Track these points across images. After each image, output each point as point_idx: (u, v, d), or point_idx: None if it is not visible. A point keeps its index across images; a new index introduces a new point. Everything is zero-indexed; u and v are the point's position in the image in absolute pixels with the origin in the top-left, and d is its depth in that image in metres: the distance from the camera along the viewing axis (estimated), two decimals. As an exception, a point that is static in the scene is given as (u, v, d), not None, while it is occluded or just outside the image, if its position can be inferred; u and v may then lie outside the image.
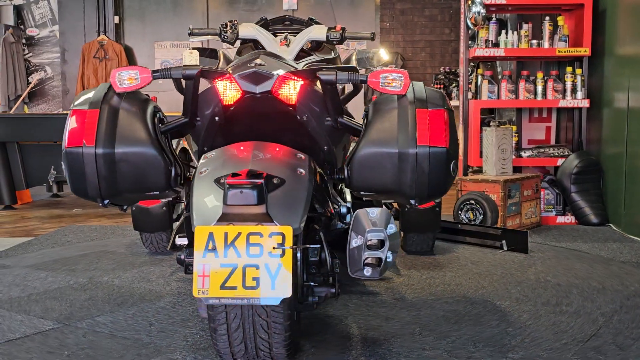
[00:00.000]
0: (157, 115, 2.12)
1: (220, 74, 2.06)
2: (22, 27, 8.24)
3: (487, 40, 4.73)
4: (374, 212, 1.96)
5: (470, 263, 3.31)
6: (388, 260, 1.94)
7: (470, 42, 4.84)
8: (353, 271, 1.94)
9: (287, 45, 2.98)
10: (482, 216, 3.99)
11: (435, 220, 3.40)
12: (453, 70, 7.23)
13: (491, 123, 4.78)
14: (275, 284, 1.71)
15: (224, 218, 1.75)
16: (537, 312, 2.49)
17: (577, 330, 2.29)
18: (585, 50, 4.57)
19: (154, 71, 2.06)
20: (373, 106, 2.14)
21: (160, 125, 2.12)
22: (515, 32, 4.73)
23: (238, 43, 3.15)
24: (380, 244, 1.91)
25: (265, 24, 3.23)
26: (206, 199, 1.82)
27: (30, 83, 7.95)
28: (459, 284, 2.90)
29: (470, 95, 4.85)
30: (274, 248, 1.72)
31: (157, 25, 8.15)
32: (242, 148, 1.99)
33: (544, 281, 2.94)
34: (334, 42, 2.99)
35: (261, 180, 1.76)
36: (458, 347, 2.12)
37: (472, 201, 4.00)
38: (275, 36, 3.12)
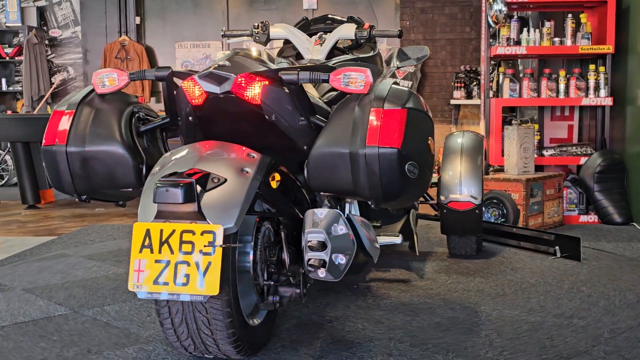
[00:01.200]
0: (137, 115, 2.22)
1: (188, 75, 2.08)
2: (45, 28, 8.31)
3: (508, 38, 4.70)
4: (321, 213, 1.97)
5: (510, 269, 3.19)
6: (339, 262, 1.94)
7: (491, 40, 4.81)
8: (307, 272, 1.98)
9: (321, 45, 3.04)
10: (504, 215, 3.97)
11: (475, 223, 3.30)
12: (474, 68, 7.18)
13: (513, 122, 4.75)
14: (204, 281, 1.73)
15: (159, 215, 1.79)
16: (542, 324, 2.37)
17: (570, 346, 2.15)
18: (608, 48, 4.52)
19: (131, 73, 2.15)
20: (337, 106, 2.13)
21: (141, 124, 2.23)
22: (537, 30, 4.69)
23: (280, 43, 3.24)
24: (321, 245, 1.91)
25: (306, 23, 3.27)
26: (148, 198, 1.86)
27: (53, 84, 8.03)
28: (480, 290, 2.83)
29: (491, 93, 4.81)
30: (204, 246, 1.74)
31: (177, 25, 8.19)
32: (196, 147, 2.01)
33: (575, 291, 2.80)
34: (362, 40, 3.02)
35: (190, 180, 1.76)
36: (426, 356, 2.07)
37: (495, 200, 3.98)
38: (311, 36, 3.17)
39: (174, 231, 1.76)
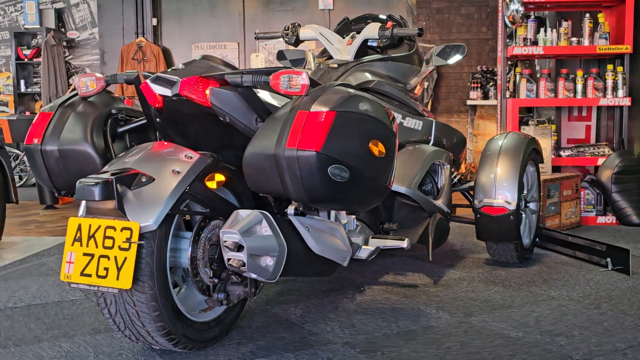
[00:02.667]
0: (116, 116, 2.36)
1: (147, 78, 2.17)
2: (62, 30, 8.37)
3: (525, 39, 4.67)
4: (245, 214, 2.00)
5: (542, 281, 3.01)
6: (266, 264, 1.98)
7: (508, 40, 4.78)
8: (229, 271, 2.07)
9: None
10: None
11: (509, 229, 3.13)
12: (490, 69, 7.15)
13: (530, 122, 4.72)
14: (119, 275, 1.84)
15: (88, 211, 1.94)
16: (517, 341, 2.22)
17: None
18: (626, 48, 4.48)
19: (106, 77, 2.32)
20: (279, 108, 2.15)
21: (122, 125, 2.40)
22: (554, 30, 4.66)
23: (312, 44, 3.30)
24: (236, 245, 1.94)
25: (347, 23, 3.36)
26: None
27: (71, 85, 8.10)
28: (487, 301, 2.71)
29: (508, 94, 4.79)
30: (122, 242, 1.85)
31: (194, 26, 8.22)
32: (142, 148, 2.10)
33: (592, 308, 2.58)
34: (384, 40, 3.11)
35: (110, 178, 1.85)
36: None
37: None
38: (344, 37, 3.26)
39: (99, 226, 1.88)
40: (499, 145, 3.27)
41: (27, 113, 7.91)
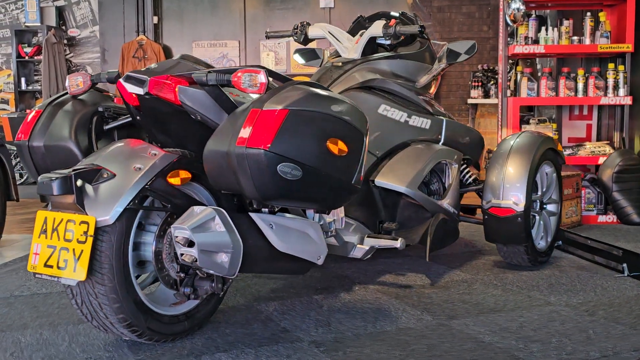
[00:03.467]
0: (103, 114, 2.42)
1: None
2: (63, 27, 8.39)
3: (526, 37, 4.68)
4: (198, 210, 2.03)
5: (546, 286, 2.93)
6: (221, 260, 2.01)
7: (509, 39, 4.80)
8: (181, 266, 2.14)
9: None
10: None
11: (517, 231, 3.05)
12: (491, 67, 7.15)
13: (531, 121, 4.74)
14: (76, 267, 1.91)
15: (53, 205, 2.02)
16: (486, 346, 2.18)
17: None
18: (627, 47, 4.49)
19: (92, 76, 2.39)
20: (241, 106, 2.18)
21: (107, 123, 2.45)
22: (555, 29, 4.67)
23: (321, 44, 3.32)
24: (187, 241, 1.97)
25: (360, 22, 3.37)
26: None
27: (71, 83, 8.12)
28: (479, 304, 2.66)
29: (509, 92, 4.80)
30: (80, 235, 1.92)
31: (195, 25, 8.23)
32: (112, 145, 2.18)
33: (586, 320, 2.44)
34: (387, 37, 3.10)
35: (69, 173, 1.93)
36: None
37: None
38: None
39: (62, 220, 1.96)
40: (510, 144, 3.19)
41: (28, 111, 7.92)
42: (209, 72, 2.10)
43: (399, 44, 3.26)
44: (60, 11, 8.35)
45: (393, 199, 2.97)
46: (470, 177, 3.39)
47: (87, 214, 1.93)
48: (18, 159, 7.30)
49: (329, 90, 2.23)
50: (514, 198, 3.03)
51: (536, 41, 4.67)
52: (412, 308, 2.62)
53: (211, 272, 2.05)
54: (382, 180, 2.88)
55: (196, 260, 1.99)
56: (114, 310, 2.01)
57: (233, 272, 2.06)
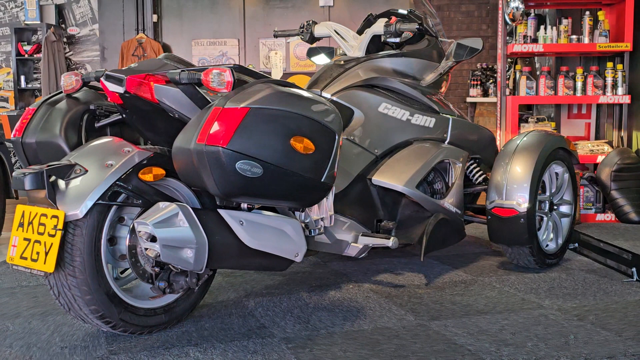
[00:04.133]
0: (95, 112, 2.48)
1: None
2: (63, 26, 8.41)
3: (525, 36, 4.70)
4: (163, 206, 2.08)
5: (546, 289, 2.88)
6: (186, 256, 2.06)
7: (508, 37, 4.82)
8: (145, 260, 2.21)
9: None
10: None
11: (519, 232, 3.01)
12: (490, 66, 7.17)
13: (529, 119, 4.75)
14: (46, 259, 1.99)
15: (29, 200, 2.11)
16: (462, 354, 2.13)
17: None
18: (626, 46, 4.50)
19: (83, 75, 2.44)
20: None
21: (98, 120, 2.51)
22: (554, 28, 4.68)
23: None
24: (150, 236, 2.03)
25: (370, 20, 3.37)
26: None
27: (71, 81, 8.13)
28: (467, 306, 2.63)
29: (508, 91, 4.82)
30: (51, 229, 1.99)
31: (194, 23, 8.26)
32: (91, 142, 2.26)
33: (572, 326, 2.36)
34: (388, 35, 3.12)
35: (41, 169, 2.01)
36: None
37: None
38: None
39: (36, 214, 2.04)
40: (516, 144, 3.15)
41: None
42: (182, 71, 2.15)
43: (407, 42, 3.26)
44: (59, 9, 8.37)
45: (392, 198, 2.97)
46: (480, 176, 3.36)
47: (57, 209, 2.00)
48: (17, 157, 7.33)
49: (300, 89, 2.25)
50: (517, 198, 2.98)
51: (535, 40, 4.68)
52: (399, 308, 2.61)
53: (179, 266, 2.10)
54: (379, 178, 2.89)
55: (159, 255, 2.05)
56: (85, 301, 2.08)
57: (200, 267, 2.10)
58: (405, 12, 3.29)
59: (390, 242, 2.71)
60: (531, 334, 2.30)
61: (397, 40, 3.22)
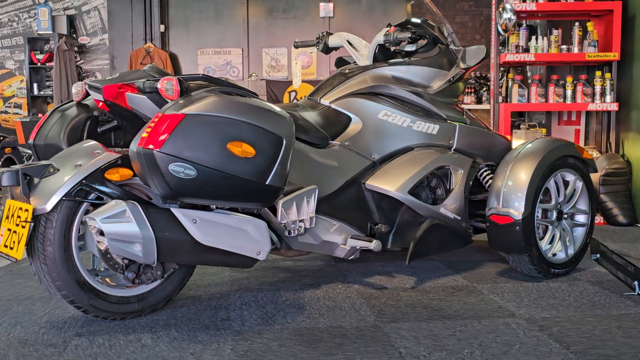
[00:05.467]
0: (97, 118, 2.63)
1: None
2: (74, 35, 8.49)
3: (517, 46, 4.79)
4: (114, 203, 2.23)
5: (533, 298, 2.72)
6: (134, 249, 2.21)
7: (500, 47, 4.91)
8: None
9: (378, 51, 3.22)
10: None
11: (515, 240, 2.90)
12: (484, 75, 7.29)
13: (521, 126, 4.85)
14: (17, 248, 2.20)
15: (14, 195, 2.30)
16: (376, 356, 2.08)
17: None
18: (614, 55, 4.61)
19: (88, 85, 2.54)
20: None
21: (101, 126, 2.65)
22: (545, 38, 4.78)
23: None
24: (99, 230, 2.20)
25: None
26: None
27: (80, 89, 8.21)
28: (437, 311, 2.55)
29: (500, 99, 4.92)
30: (23, 221, 2.20)
31: (200, 33, 8.34)
32: (74, 145, 2.45)
33: (523, 337, 2.25)
34: (387, 44, 3.13)
35: (17, 168, 2.22)
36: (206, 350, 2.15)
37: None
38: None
39: (16, 207, 2.24)
40: (518, 151, 3.05)
41: (40, 115, 8.04)
42: (146, 80, 2.33)
43: (421, 50, 3.24)
44: (71, 20, 8.46)
45: (389, 203, 2.96)
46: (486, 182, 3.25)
47: (29, 203, 2.19)
48: (30, 162, 7.48)
49: (248, 97, 2.37)
50: (513, 206, 2.89)
51: (527, 50, 4.78)
52: (368, 309, 2.58)
53: (135, 258, 2.25)
54: (373, 183, 2.90)
55: (108, 248, 2.20)
56: (56, 287, 2.27)
57: (151, 260, 2.23)
58: (419, 21, 3.28)
59: (373, 245, 2.75)
60: (477, 342, 2.20)
61: (413, 48, 3.22)
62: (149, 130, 2.13)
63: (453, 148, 3.14)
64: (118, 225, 2.17)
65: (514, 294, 2.80)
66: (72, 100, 2.67)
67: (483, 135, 3.28)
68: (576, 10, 4.83)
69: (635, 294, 2.75)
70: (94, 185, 2.27)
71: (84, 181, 2.24)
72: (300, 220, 2.59)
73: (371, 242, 2.76)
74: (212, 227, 2.33)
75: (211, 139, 2.15)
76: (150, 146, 2.10)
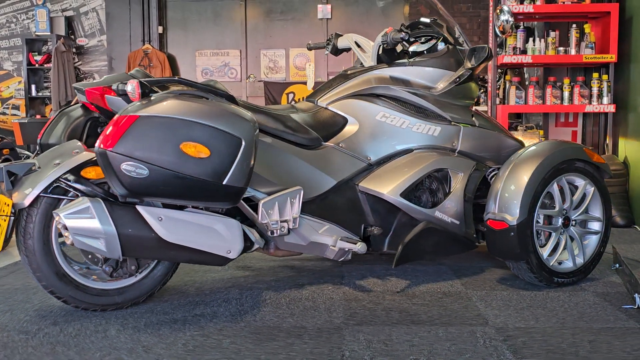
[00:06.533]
0: (98, 119, 2.69)
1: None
2: (72, 37, 8.51)
3: (515, 48, 4.82)
4: (80, 199, 2.34)
5: (520, 308, 2.61)
6: (97, 244, 2.30)
7: (498, 49, 4.93)
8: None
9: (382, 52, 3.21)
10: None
11: (509, 246, 2.81)
12: (481, 76, 7.32)
13: (519, 127, 4.89)
14: (2, 240, 2.38)
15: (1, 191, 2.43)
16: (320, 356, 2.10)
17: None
18: (611, 57, 4.64)
19: (74, 88, 2.67)
20: None
21: (102, 127, 2.73)
22: (542, 40, 4.81)
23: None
24: (63, 225, 2.30)
25: (402, 30, 3.32)
26: None
27: (79, 90, 8.23)
28: (409, 316, 2.51)
29: (498, 100, 4.94)
30: (5, 215, 2.35)
31: (198, 34, 8.36)
32: (58, 145, 2.58)
33: (473, 346, 2.19)
34: (385, 45, 3.09)
35: (1, 166, 2.37)
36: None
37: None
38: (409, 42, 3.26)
39: (3, 202, 2.38)
40: (519, 154, 2.95)
41: (38, 116, 8.04)
42: (119, 83, 2.42)
43: (429, 50, 3.22)
44: (69, 21, 8.48)
45: (384, 206, 2.93)
46: None
47: (11, 198, 2.33)
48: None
49: (212, 100, 2.44)
50: (508, 210, 2.80)
51: (524, 51, 4.82)
52: (343, 311, 2.58)
53: (100, 252, 2.36)
54: (366, 185, 2.89)
55: (73, 243, 2.30)
56: (37, 278, 2.43)
57: (115, 255, 2.33)
58: (428, 20, 3.25)
59: (357, 247, 2.77)
60: (429, 349, 2.15)
61: (423, 48, 3.19)
62: (105, 130, 2.23)
63: (457, 151, 3.07)
64: (81, 221, 2.28)
65: (504, 302, 2.69)
66: (77, 102, 2.77)
67: (492, 137, 3.18)
68: (573, 12, 4.85)
69: (635, 307, 2.58)
70: (69, 183, 2.40)
71: (61, 179, 2.39)
72: (284, 221, 2.64)
73: (355, 244, 2.78)
74: (178, 225, 2.40)
75: (164, 140, 2.23)
76: (103, 146, 2.20)
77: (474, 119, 3.18)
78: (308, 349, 2.16)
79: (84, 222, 2.28)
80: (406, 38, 3.01)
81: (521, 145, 3.26)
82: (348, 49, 3.46)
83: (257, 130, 2.42)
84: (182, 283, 2.97)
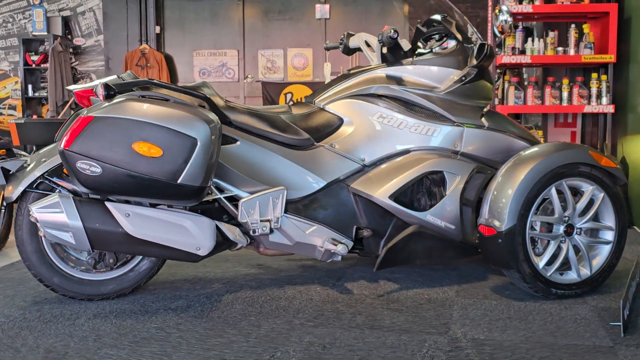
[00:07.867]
0: None
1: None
2: (69, 37, 8.49)
3: (513, 48, 4.84)
4: (52, 195, 2.50)
5: (505, 318, 2.50)
6: (67, 237, 2.45)
7: (497, 49, 4.95)
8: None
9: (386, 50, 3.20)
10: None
11: (498, 253, 2.69)
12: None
13: (517, 128, 4.88)
14: None
15: None
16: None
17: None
18: (610, 57, 4.66)
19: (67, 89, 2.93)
20: None
21: None
22: (541, 40, 4.83)
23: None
24: (35, 218, 2.47)
25: (418, 28, 3.38)
26: None
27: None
28: (376, 321, 2.46)
29: (497, 101, 4.95)
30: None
31: (196, 34, 8.36)
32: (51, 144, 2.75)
33: (437, 354, 2.13)
34: (382, 44, 3.03)
35: None
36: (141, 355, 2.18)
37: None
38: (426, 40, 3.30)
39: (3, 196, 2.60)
40: (516, 156, 2.81)
41: (34, 117, 8.03)
42: (97, 86, 2.57)
43: (437, 49, 3.16)
44: (66, 21, 8.46)
45: (377, 208, 2.88)
46: None
47: (3, 192, 2.52)
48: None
49: (163, 102, 2.52)
50: (497, 216, 2.67)
51: (523, 52, 4.84)
52: (310, 312, 2.57)
53: (71, 245, 2.51)
54: (356, 187, 2.85)
55: (44, 235, 2.48)
56: (27, 266, 2.66)
57: (85, 248, 2.50)
58: (439, 17, 3.20)
59: (339, 248, 2.76)
60: (364, 355, 2.12)
61: (438, 45, 3.16)
62: (66, 130, 2.44)
63: (460, 152, 2.98)
64: (50, 215, 2.44)
65: (484, 312, 2.57)
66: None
67: (499, 139, 3.04)
68: (572, 13, 4.87)
69: (620, 324, 2.36)
70: (52, 179, 2.62)
71: (45, 175, 2.60)
72: (266, 220, 2.70)
73: (336, 245, 2.78)
74: (145, 221, 2.52)
75: (116, 139, 2.35)
76: (62, 145, 2.35)
77: (483, 119, 3.06)
78: (244, 348, 2.19)
79: (53, 216, 2.44)
80: (394, 37, 2.97)
81: (527, 146, 3.10)
82: (359, 49, 3.42)
83: (218, 131, 2.49)
84: (178, 276, 3.06)
